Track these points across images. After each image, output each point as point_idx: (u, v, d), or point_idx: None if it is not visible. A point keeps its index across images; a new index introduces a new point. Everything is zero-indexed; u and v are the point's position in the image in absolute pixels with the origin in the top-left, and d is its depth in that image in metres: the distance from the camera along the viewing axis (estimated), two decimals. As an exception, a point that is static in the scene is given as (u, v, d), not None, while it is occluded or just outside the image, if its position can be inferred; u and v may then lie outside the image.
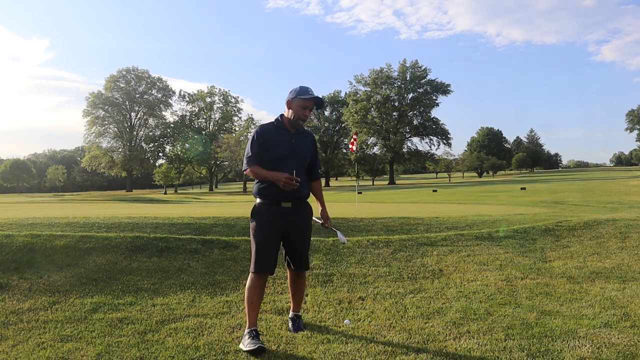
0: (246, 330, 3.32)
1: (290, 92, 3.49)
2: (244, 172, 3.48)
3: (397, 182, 77.27)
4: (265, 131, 3.46)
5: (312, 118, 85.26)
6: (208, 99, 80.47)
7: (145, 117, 77.57)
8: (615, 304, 4.03)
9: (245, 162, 3.44)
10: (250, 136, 3.52)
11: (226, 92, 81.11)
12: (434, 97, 74.38)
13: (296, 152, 3.48)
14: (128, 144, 74.58)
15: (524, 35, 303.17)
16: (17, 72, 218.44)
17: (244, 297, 3.56)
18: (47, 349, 3.19)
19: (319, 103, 3.46)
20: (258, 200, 3.47)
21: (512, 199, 21.43)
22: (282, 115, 3.56)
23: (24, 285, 4.63)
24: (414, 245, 6.31)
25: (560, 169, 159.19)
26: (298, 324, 3.64)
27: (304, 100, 3.44)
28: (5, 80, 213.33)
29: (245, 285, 3.57)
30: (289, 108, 3.49)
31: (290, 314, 3.77)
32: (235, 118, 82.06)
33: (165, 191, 66.38)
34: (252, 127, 69.89)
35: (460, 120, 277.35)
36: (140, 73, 75.78)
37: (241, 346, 3.21)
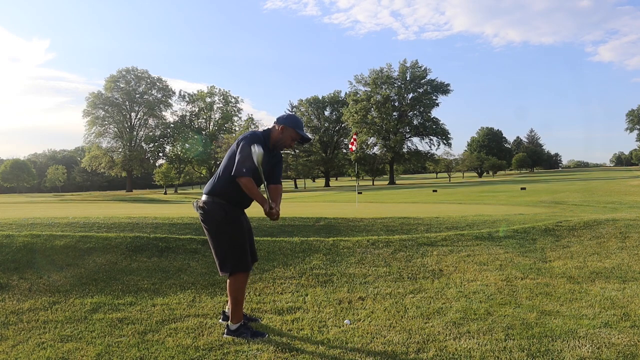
0: (239, 325, 3.46)
1: (287, 118, 3.54)
2: (238, 178, 3.36)
3: (397, 182, 77.26)
4: (262, 151, 3.39)
5: (312, 118, 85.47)
6: (208, 99, 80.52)
7: (145, 117, 77.54)
8: (615, 304, 4.03)
9: (243, 168, 3.35)
10: (249, 143, 3.40)
11: (226, 92, 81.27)
12: (434, 97, 74.31)
13: (265, 171, 3.54)
14: (128, 144, 74.54)
15: (521, 36, 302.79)
16: (17, 72, 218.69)
17: (227, 297, 3.63)
18: (47, 349, 3.19)
19: (306, 142, 3.60)
20: (228, 206, 3.48)
21: (512, 199, 21.42)
22: (269, 133, 3.55)
23: (24, 285, 4.63)
24: (414, 245, 6.31)
25: (560, 169, 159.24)
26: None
27: (298, 135, 3.54)
28: (5, 81, 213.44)
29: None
30: (279, 132, 3.52)
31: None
32: (235, 118, 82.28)
33: (165, 191, 66.35)
34: (252, 127, 69.90)
35: (460, 120, 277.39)
36: (139, 73, 75.76)
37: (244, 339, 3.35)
